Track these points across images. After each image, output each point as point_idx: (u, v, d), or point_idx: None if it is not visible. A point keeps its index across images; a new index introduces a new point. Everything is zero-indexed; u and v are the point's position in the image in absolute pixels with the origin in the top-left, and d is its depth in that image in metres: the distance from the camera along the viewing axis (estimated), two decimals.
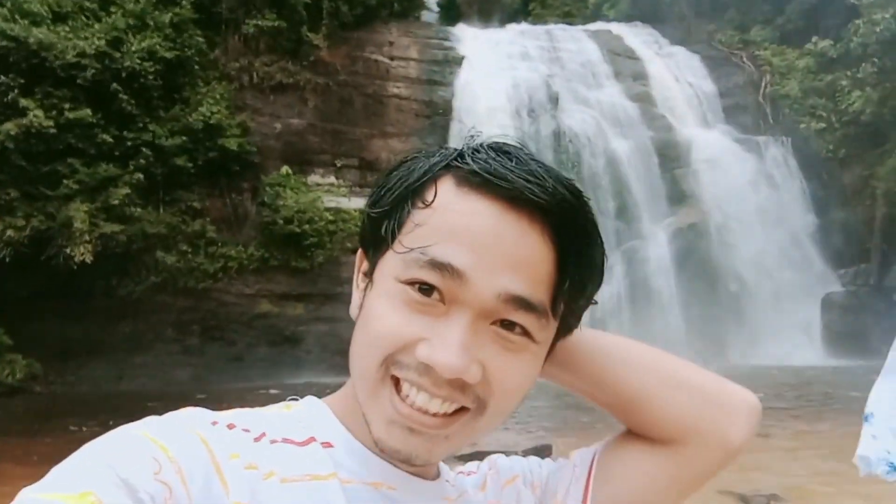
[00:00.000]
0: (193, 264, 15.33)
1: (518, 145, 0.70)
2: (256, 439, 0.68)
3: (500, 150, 0.69)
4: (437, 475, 0.77)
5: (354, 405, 0.71)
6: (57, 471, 0.56)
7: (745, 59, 21.96)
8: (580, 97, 19.02)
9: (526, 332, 0.66)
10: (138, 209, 14.62)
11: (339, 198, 17.39)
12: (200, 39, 16.85)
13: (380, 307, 0.67)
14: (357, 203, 17.52)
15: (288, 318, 16.18)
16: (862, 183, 18.19)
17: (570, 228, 0.67)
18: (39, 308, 13.94)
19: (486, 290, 0.64)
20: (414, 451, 0.65)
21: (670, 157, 18.75)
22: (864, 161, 18.16)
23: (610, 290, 17.49)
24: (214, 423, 0.67)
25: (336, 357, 15.68)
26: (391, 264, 0.68)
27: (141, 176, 14.60)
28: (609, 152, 18.13)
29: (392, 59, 20.31)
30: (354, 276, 0.76)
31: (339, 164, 18.01)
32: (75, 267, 13.20)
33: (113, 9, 15.74)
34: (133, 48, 15.05)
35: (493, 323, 0.66)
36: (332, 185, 17.61)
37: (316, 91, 18.46)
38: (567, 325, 0.73)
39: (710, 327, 16.68)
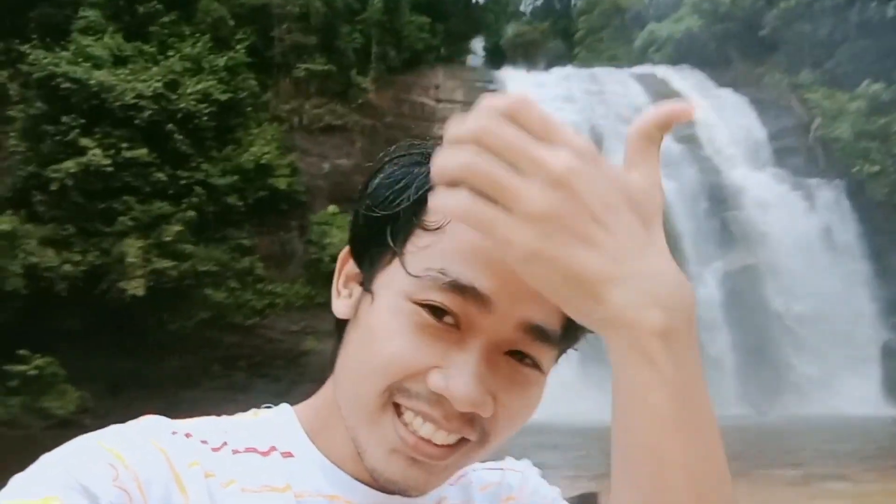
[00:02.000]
0: (241, 300, 15.54)
1: None
2: (216, 449, 0.65)
3: None
4: None
5: (327, 418, 0.67)
6: (17, 479, 0.56)
7: (794, 102, 21.74)
8: (625, 139, 18.94)
9: (535, 364, 0.62)
10: (190, 246, 14.93)
11: None
12: (253, 82, 17.36)
13: (385, 327, 0.61)
14: None
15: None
16: None
17: None
18: (93, 342, 14.22)
19: (507, 318, 0.59)
20: (412, 482, 0.61)
21: (719, 200, 18.52)
22: None
23: None
24: (174, 433, 0.64)
25: None
26: (399, 279, 0.61)
27: (193, 213, 14.95)
28: None
29: (438, 101, 20.62)
30: (335, 280, 0.69)
31: None
32: (128, 301, 13.48)
33: (171, 52, 16.34)
34: (188, 90, 15.57)
35: (505, 353, 0.61)
36: None
37: (363, 132, 18.80)
38: (563, 352, 0.67)
39: (762, 376, 16.23)
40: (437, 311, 0.59)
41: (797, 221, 18.22)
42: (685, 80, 22.31)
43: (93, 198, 14.29)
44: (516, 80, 21.30)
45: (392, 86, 20.46)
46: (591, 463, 11.03)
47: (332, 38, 19.41)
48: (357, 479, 0.66)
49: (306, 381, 15.94)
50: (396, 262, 0.62)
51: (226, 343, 15.76)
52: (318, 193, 17.46)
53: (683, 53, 23.67)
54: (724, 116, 20.71)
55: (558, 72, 22.81)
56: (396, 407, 0.61)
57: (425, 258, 0.60)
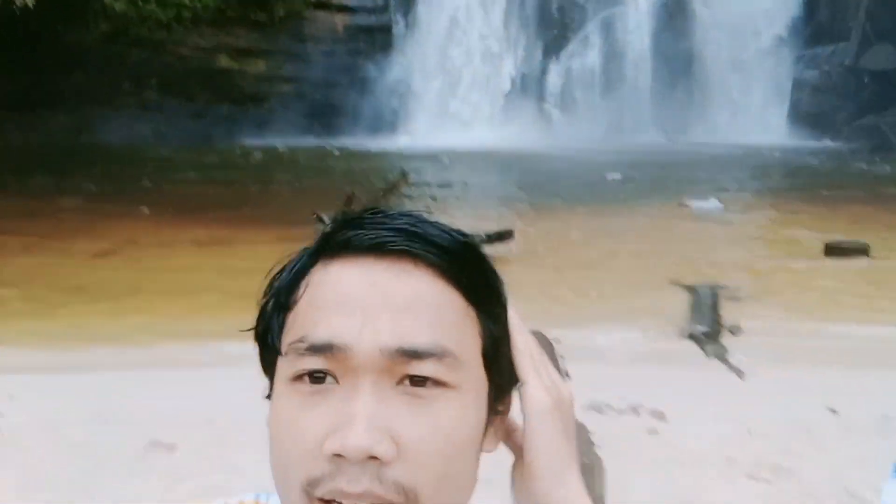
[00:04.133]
0: (145, 12, 14.25)
1: (386, 209, 0.66)
2: None
3: (367, 216, 0.65)
4: None
5: None
6: None
7: None
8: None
9: (438, 382, 0.60)
10: None
11: None
12: None
13: (278, 419, 0.62)
14: None
15: (249, 75, 15.53)
16: None
17: (455, 255, 0.64)
18: None
19: (372, 349, 0.59)
20: None
21: None
22: None
23: (584, 62, 17.01)
24: None
25: (300, 119, 15.35)
26: (280, 370, 0.63)
27: None
28: None
29: None
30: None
31: None
32: (18, 13, 12.17)
33: None
34: None
35: (400, 382, 0.60)
36: None
37: None
38: (495, 357, 0.66)
39: (678, 104, 16.59)
40: (315, 377, 0.60)
41: None
42: None
43: None
44: None
45: None
46: (507, 197, 11.55)
47: None
48: None
49: (224, 102, 15.43)
50: (280, 358, 0.63)
51: (134, 59, 14.74)
52: None
53: None
54: None
55: None
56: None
57: (288, 337, 0.62)
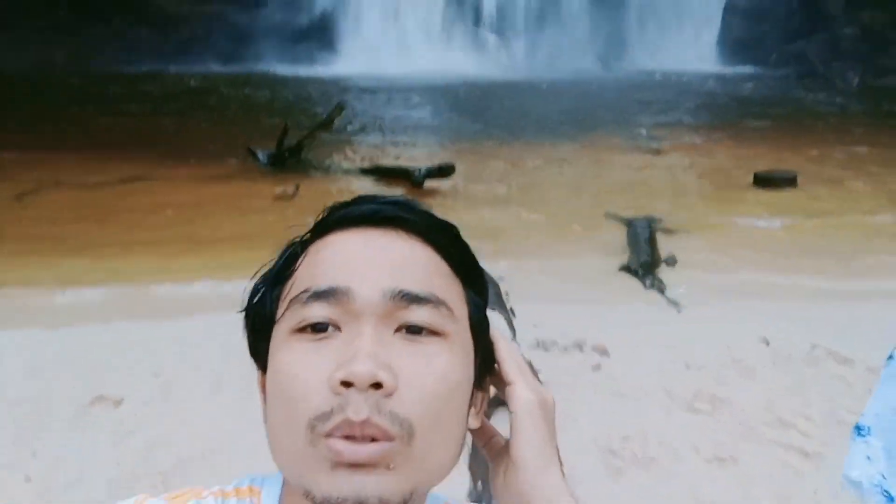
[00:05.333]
0: None
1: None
2: None
3: (356, 198, 0.72)
4: None
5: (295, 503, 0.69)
6: None
7: None
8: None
9: (433, 332, 0.66)
10: None
11: None
12: None
13: (282, 370, 0.64)
14: None
15: None
16: None
17: (441, 230, 0.71)
18: None
19: (373, 292, 0.64)
20: (363, 490, 0.61)
21: None
22: None
23: None
24: None
25: (223, 43, 14.60)
26: (280, 331, 0.67)
27: None
28: None
29: None
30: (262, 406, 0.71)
31: None
32: None
33: None
34: None
35: (398, 330, 0.65)
36: None
37: None
38: (479, 325, 0.72)
39: (615, 32, 16.53)
40: (317, 328, 0.64)
41: None
42: None
43: None
44: None
45: None
46: (444, 128, 11.39)
47: None
48: None
49: (143, 25, 14.53)
50: (275, 326, 0.68)
51: None
52: None
53: None
54: None
55: None
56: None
57: (288, 297, 0.67)
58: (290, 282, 0.68)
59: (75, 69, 13.68)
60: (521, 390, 0.72)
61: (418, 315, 0.65)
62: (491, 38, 16.73)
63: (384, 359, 0.61)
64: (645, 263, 5.42)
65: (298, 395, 0.62)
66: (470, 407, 0.71)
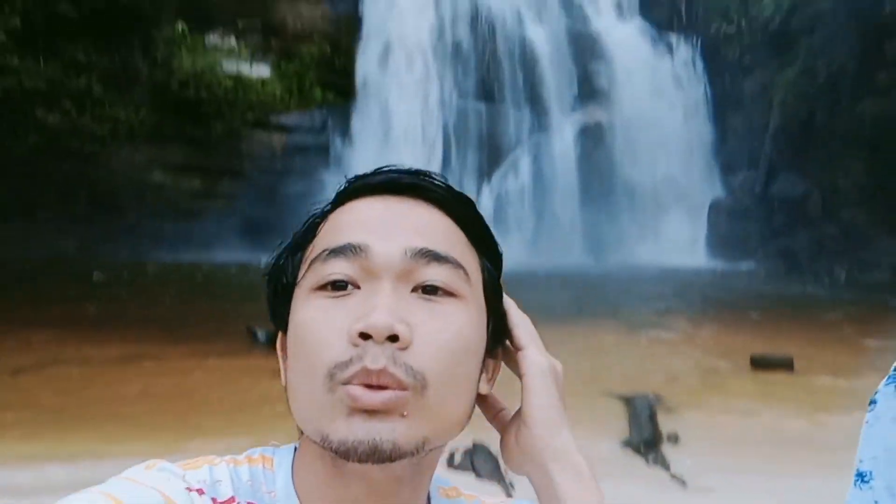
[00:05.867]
0: (78, 125, 14.22)
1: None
2: (224, 503, 0.69)
3: (376, 169, 0.73)
4: None
5: (307, 472, 0.70)
6: None
7: None
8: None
9: (449, 293, 0.67)
10: (15, 58, 13.22)
11: (240, 62, 16.35)
12: None
13: (304, 325, 0.67)
14: (259, 70, 16.53)
15: (183, 191, 15.48)
16: (761, 91, 18.79)
17: (458, 200, 0.73)
18: None
19: (392, 251, 0.66)
20: (377, 435, 0.63)
21: (584, 49, 18.61)
22: (766, 70, 18.69)
23: (515, 182, 17.72)
24: (188, 490, 0.67)
25: (232, 235, 15.25)
26: (301, 292, 0.69)
27: (17, 22, 13.10)
28: (524, 39, 17.78)
29: None
30: (281, 366, 0.74)
31: (241, 26, 16.79)
32: None
33: None
34: None
35: (415, 290, 0.67)
36: (232, 48, 16.47)
37: None
38: (493, 293, 0.74)
39: (606, 225, 17.31)
40: (336, 285, 0.66)
41: (654, 77, 18.78)
42: None
43: None
44: None
45: None
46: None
47: None
48: None
49: (155, 218, 15.24)
50: (297, 288, 0.70)
51: (63, 171, 14.54)
52: (165, 7, 15.76)
53: None
54: None
55: None
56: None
57: (309, 258, 0.70)
58: (310, 246, 0.71)
59: (89, 257, 14.15)
60: (533, 355, 0.75)
61: (436, 273, 0.67)
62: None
63: (401, 314, 0.64)
64: (647, 440, 5.30)
65: (318, 345, 0.65)
66: (482, 373, 0.73)
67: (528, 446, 0.74)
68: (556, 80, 17.99)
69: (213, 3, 16.49)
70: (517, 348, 0.77)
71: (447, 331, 0.66)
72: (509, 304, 0.79)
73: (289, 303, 0.71)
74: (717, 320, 11.03)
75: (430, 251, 0.67)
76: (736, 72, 19.34)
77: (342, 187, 0.74)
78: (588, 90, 18.39)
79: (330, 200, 0.75)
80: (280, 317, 0.73)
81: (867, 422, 1.06)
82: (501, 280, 0.77)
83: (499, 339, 0.77)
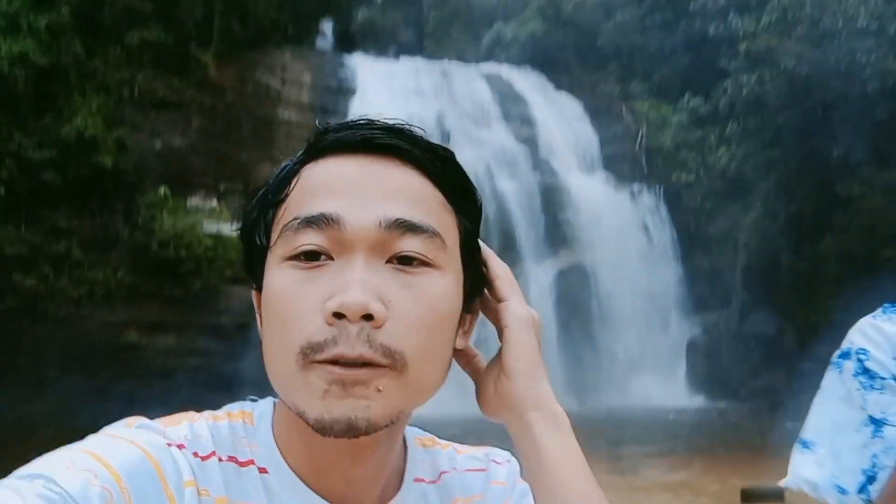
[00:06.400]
0: (55, 288, 14.26)
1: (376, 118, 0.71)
2: (205, 458, 0.68)
3: (353, 121, 0.71)
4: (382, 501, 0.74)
5: (287, 426, 0.70)
6: (12, 483, 0.56)
7: (623, 111, 23.17)
8: (471, 136, 19.39)
9: (424, 262, 0.66)
10: None
11: (220, 223, 16.75)
12: (79, 48, 15.91)
13: (275, 296, 0.66)
14: None
15: (157, 349, 15.31)
16: (726, 233, 19.49)
17: (436, 157, 0.70)
18: None
19: (366, 221, 0.64)
20: (352, 413, 0.62)
21: (553, 201, 19.40)
22: (729, 213, 19.48)
23: (493, 331, 17.78)
24: (168, 445, 0.66)
25: (207, 394, 14.89)
26: (273, 256, 0.68)
27: (2, 190, 13.50)
28: (496, 193, 18.54)
29: (284, 83, 19.97)
30: (258, 321, 0.73)
31: (222, 188, 17.41)
32: None
33: None
34: (3, 52, 14.00)
35: (390, 261, 0.65)
36: (213, 209, 16.96)
37: (202, 111, 17.83)
38: (470, 253, 0.73)
39: (585, 369, 17.25)
40: (309, 256, 0.65)
41: (622, 225, 19.49)
42: (527, 80, 23.09)
43: None
44: (366, 68, 21.09)
45: (235, 63, 19.49)
46: None
47: (171, 7, 18.19)
48: (326, 498, 0.69)
49: (127, 378, 14.94)
50: (269, 251, 0.68)
51: (35, 334, 14.39)
52: (149, 174, 16.36)
53: (527, 55, 24.47)
54: (560, 119, 21.70)
55: (408, 63, 22.82)
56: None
57: (281, 223, 0.67)
58: (283, 206, 0.69)
59: (55, 423, 13.66)
60: (515, 307, 0.76)
61: (411, 244, 0.65)
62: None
63: (376, 290, 0.63)
64: None
65: (291, 322, 0.64)
66: (458, 328, 0.73)
67: (508, 396, 0.75)
68: (526, 229, 18.59)
69: (196, 168, 17.17)
70: (499, 300, 0.78)
71: (423, 303, 0.65)
72: (489, 254, 0.79)
73: (263, 264, 0.70)
74: (704, 457, 10.79)
75: (404, 221, 0.65)
76: (700, 216, 20.15)
77: (315, 137, 0.71)
78: (559, 237, 18.96)
79: (302, 151, 0.72)
80: (255, 275, 0.72)
81: (815, 402, 1.24)
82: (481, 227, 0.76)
83: (476, 292, 0.76)
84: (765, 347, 17.25)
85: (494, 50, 25.98)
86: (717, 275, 19.13)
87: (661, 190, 20.91)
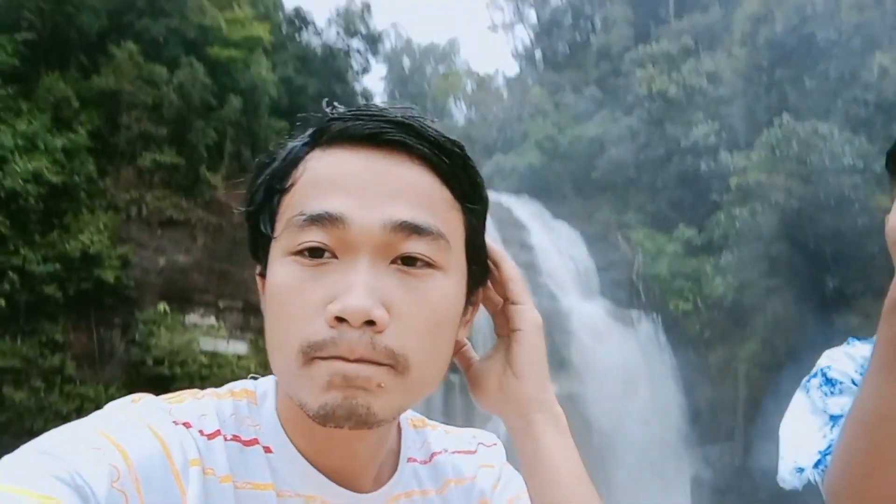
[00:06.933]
0: (45, 403, 13.95)
1: (385, 105, 0.70)
2: (210, 436, 0.68)
3: (362, 109, 0.69)
4: (382, 484, 0.75)
5: (290, 406, 0.69)
6: (12, 463, 0.55)
7: (620, 239, 23.63)
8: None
9: (428, 264, 0.66)
10: None
11: (217, 340, 16.66)
12: (91, 167, 16.40)
13: (278, 291, 0.65)
14: (236, 348, 16.81)
15: None
16: (726, 363, 19.37)
17: (444, 153, 0.68)
18: None
19: (371, 224, 0.63)
20: (353, 407, 0.62)
21: (552, 325, 19.39)
22: (728, 343, 19.45)
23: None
24: (174, 424, 0.66)
25: None
26: (278, 248, 0.67)
27: (2, 302, 13.50)
28: None
29: None
30: (260, 297, 0.73)
31: (221, 306, 17.42)
32: None
33: (2, 127, 15.19)
34: (17, 169, 14.42)
35: (394, 262, 0.65)
36: (211, 326, 16.90)
37: (207, 230, 18.14)
38: (475, 249, 0.73)
39: None
40: (314, 252, 0.64)
41: (621, 352, 19.37)
42: (525, 208, 23.68)
43: None
44: None
45: (244, 184, 20.01)
46: None
47: (185, 132, 18.90)
48: (331, 478, 0.70)
49: None
50: (273, 240, 0.68)
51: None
52: (150, 290, 16.43)
53: (525, 184, 25.24)
54: (559, 246, 22.07)
55: None
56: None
57: (286, 214, 0.66)
58: (287, 196, 0.68)
59: None
60: (530, 311, 0.79)
61: (416, 246, 0.65)
62: None
63: (379, 293, 0.62)
64: None
65: (293, 319, 0.64)
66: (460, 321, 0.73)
67: (515, 396, 0.77)
68: None
69: (197, 285, 17.26)
70: (513, 303, 0.79)
71: (425, 306, 0.65)
72: (501, 255, 0.80)
73: (267, 251, 0.69)
74: None
75: (409, 223, 0.64)
76: (699, 346, 20.09)
77: (322, 126, 0.69)
78: (559, 362, 18.80)
79: (308, 134, 0.70)
80: (260, 260, 0.72)
81: (783, 423, 1.30)
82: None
83: (478, 286, 0.77)
84: (771, 484, 16.70)
85: (494, 179, 26.82)
86: (719, 406, 18.84)
87: (660, 317, 20.97)
